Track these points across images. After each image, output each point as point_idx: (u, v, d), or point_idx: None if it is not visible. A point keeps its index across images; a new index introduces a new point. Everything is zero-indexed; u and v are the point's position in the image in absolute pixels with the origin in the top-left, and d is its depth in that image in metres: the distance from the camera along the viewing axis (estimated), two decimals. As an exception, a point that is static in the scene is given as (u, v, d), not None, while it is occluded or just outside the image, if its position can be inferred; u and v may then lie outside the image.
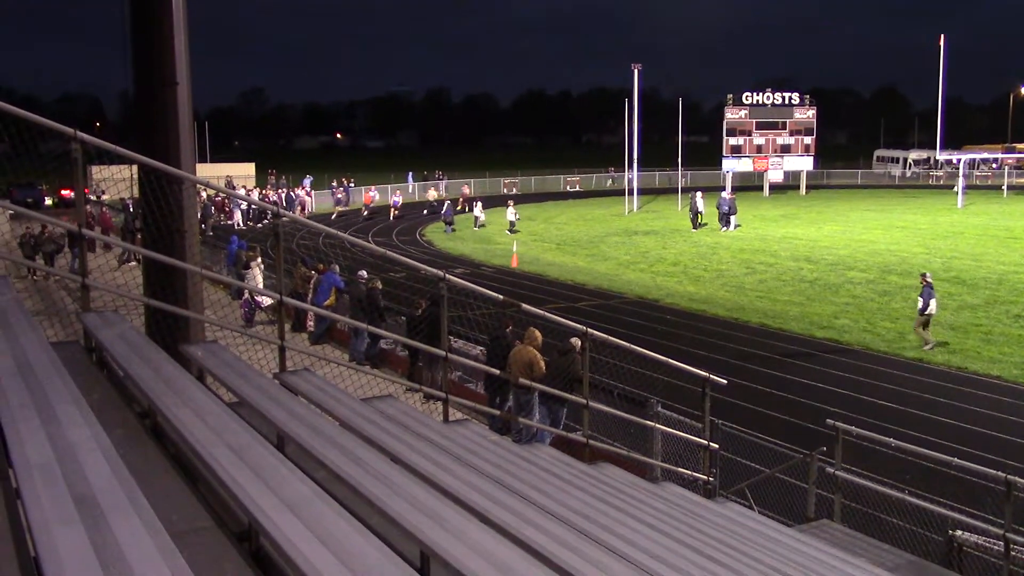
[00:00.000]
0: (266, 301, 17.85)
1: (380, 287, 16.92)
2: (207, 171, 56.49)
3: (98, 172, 32.63)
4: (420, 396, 11.55)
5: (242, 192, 47.62)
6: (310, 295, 17.99)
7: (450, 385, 8.53)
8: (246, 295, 18.67)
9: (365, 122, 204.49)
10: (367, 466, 4.54)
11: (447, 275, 7.95)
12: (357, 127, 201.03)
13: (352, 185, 60.81)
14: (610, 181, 75.13)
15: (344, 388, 7.33)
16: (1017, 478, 8.27)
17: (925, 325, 19.77)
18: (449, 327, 8.23)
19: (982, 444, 13.68)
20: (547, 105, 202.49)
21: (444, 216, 45.18)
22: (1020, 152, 67.65)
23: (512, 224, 43.26)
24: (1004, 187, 67.05)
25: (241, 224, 43.38)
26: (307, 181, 59.24)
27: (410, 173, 70.41)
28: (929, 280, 20.06)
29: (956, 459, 10.09)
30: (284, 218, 7.63)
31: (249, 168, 62.00)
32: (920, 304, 19.62)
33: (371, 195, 53.19)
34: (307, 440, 4.81)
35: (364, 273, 17.84)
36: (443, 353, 7.98)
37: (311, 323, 18.08)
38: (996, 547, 8.05)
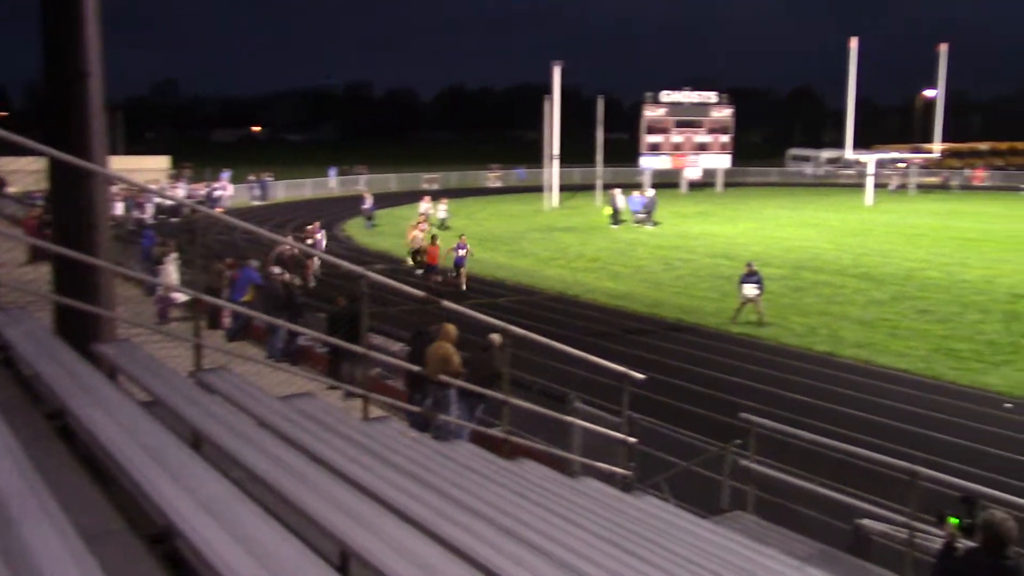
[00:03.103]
0: (181, 298, 17.51)
1: (298, 284, 16.73)
2: (119, 164, 55.03)
3: (6, 164, 31.46)
4: (340, 393, 11.48)
5: (162, 185, 46.56)
6: (227, 291, 17.70)
7: (370, 382, 8.49)
8: (159, 291, 18.28)
9: (285, 115, 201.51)
10: (286, 465, 4.50)
11: (368, 271, 7.91)
12: (276, 120, 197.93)
13: (270, 179, 59.88)
14: (514, 178, 75.58)
15: (262, 386, 7.24)
16: (921, 468, 8.55)
17: (744, 304, 21.94)
18: (369, 324, 8.19)
19: (889, 435, 14.13)
20: (468, 100, 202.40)
21: (365, 211, 44.80)
22: (926, 152, 69.71)
23: (443, 221, 43.13)
24: (911, 186, 69.18)
25: (153, 219, 42.36)
26: (225, 175, 58.14)
27: (332, 168, 69.60)
28: (752, 268, 22.02)
29: (864, 450, 10.41)
30: (199, 213, 7.51)
31: (163, 161, 60.51)
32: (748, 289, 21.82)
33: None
34: (224, 440, 4.75)
35: (278, 269, 17.61)
36: (363, 350, 7.94)
37: (227, 320, 17.79)
38: (900, 535, 8.33)
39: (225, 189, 52.52)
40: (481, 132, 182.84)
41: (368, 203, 45.25)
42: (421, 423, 10.09)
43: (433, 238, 28.24)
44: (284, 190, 61.51)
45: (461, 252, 27.25)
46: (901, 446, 13.25)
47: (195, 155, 76.54)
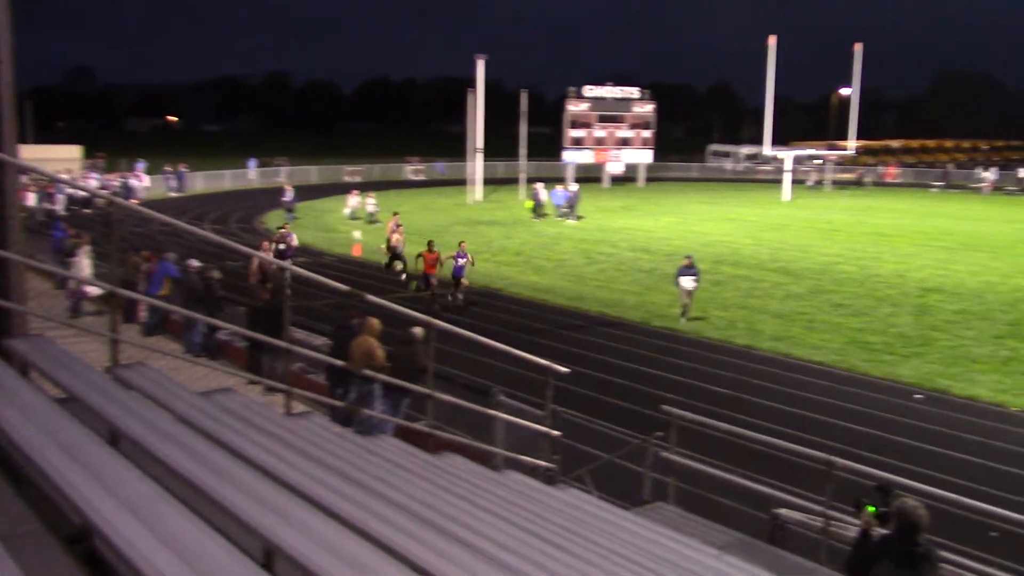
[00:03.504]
0: (94, 291, 17.07)
1: (217, 276, 16.44)
2: (29, 154, 53.36)
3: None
4: (261, 388, 11.33)
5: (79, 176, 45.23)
6: (143, 285, 17.31)
7: (292, 377, 8.39)
8: (71, 285, 17.79)
9: (202, 105, 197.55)
10: (207, 462, 4.43)
11: (288, 265, 7.82)
12: (193, 110, 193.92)
13: (186, 170, 58.66)
14: (435, 171, 75.27)
15: (181, 382, 7.11)
16: (836, 458, 8.77)
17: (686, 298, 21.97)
18: (292, 317, 8.10)
19: (806, 426, 14.48)
20: (391, 92, 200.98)
21: (285, 203, 44.18)
22: (842, 149, 71.46)
23: (372, 215, 42.78)
24: (827, 182, 70.83)
25: (64, 210, 41.15)
26: (140, 165, 56.72)
27: (251, 159, 68.48)
28: (690, 261, 22.09)
29: (781, 441, 10.66)
30: (115, 204, 7.34)
31: (75, 150, 58.77)
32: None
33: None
34: (143, 436, 4.65)
35: (195, 262, 17.28)
36: (285, 344, 7.84)
37: (144, 314, 17.40)
38: (816, 523, 8.54)
39: (140, 180, 51.26)
40: (404, 125, 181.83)
41: (289, 195, 44.65)
42: (344, 418, 10.01)
43: (430, 244, 24.69)
44: (202, 181, 60.39)
45: (461, 261, 24.02)
46: (817, 437, 13.60)
47: (109, 145, 74.69)
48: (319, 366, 12.82)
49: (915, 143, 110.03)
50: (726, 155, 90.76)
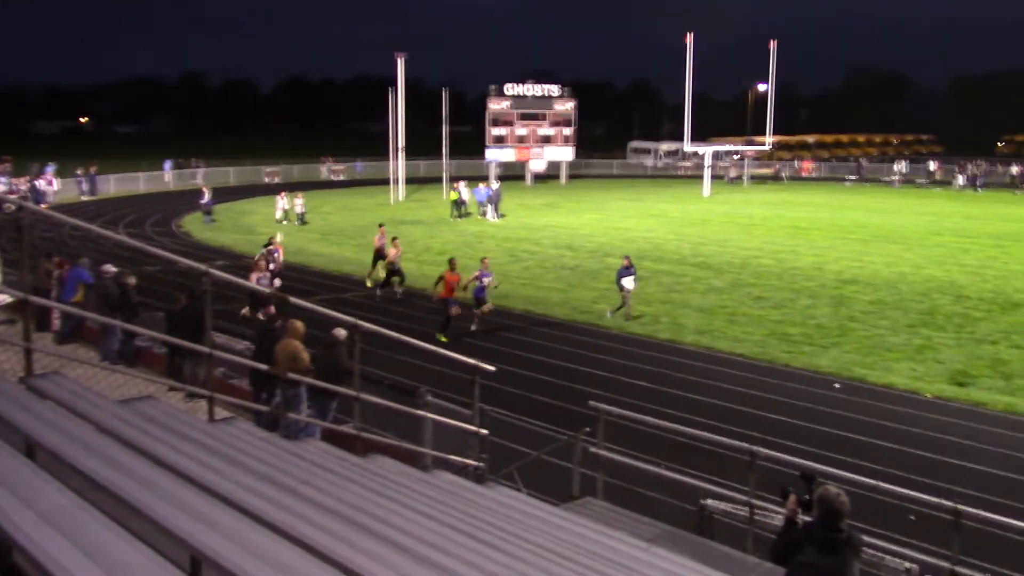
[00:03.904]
0: (4, 299, 16.54)
1: (133, 282, 16.06)
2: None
3: None
4: (182, 395, 11.11)
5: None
6: (56, 291, 16.82)
7: (215, 382, 8.25)
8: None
9: (114, 106, 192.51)
10: (129, 471, 4.33)
11: (210, 268, 7.68)
12: (105, 111, 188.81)
13: (97, 173, 57.13)
14: (353, 171, 74.52)
15: (99, 390, 6.94)
16: (760, 448, 8.94)
17: (626, 297, 21.94)
18: (212, 322, 7.95)
19: (729, 418, 14.71)
20: (310, 92, 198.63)
21: (203, 205, 43.38)
22: (759, 144, 72.86)
23: (301, 216, 42.23)
24: (745, 177, 72.11)
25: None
26: (49, 169, 55.09)
27: (167, 161, 67.07)
28: (629, 261, 22.16)
29: (706, 433, 10.83)
30: (25, 209, 7.12)
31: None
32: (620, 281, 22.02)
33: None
34: (61, 447, 4.53)
35: (110, 267, 16.85)
36: (207, 349, 7.71)
37: (57, 321, 16.90)
38: (742, 513, 8.69)
39: (50, 184, 49.85)
40: (324, 124, 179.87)
41: (206, 197, 43.81)
42: (270, 422, 9.87)
43: (451, 263, 21.21)
44: (115, 184, 58.97)
45: (485, 280, 21.06)
46: (741, 428, 13.83)
47: (15, 148, 72.39)
48: (242, 371, 12.63)
49: (829, 138, 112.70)
50: (646, 152, 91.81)
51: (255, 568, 3.51)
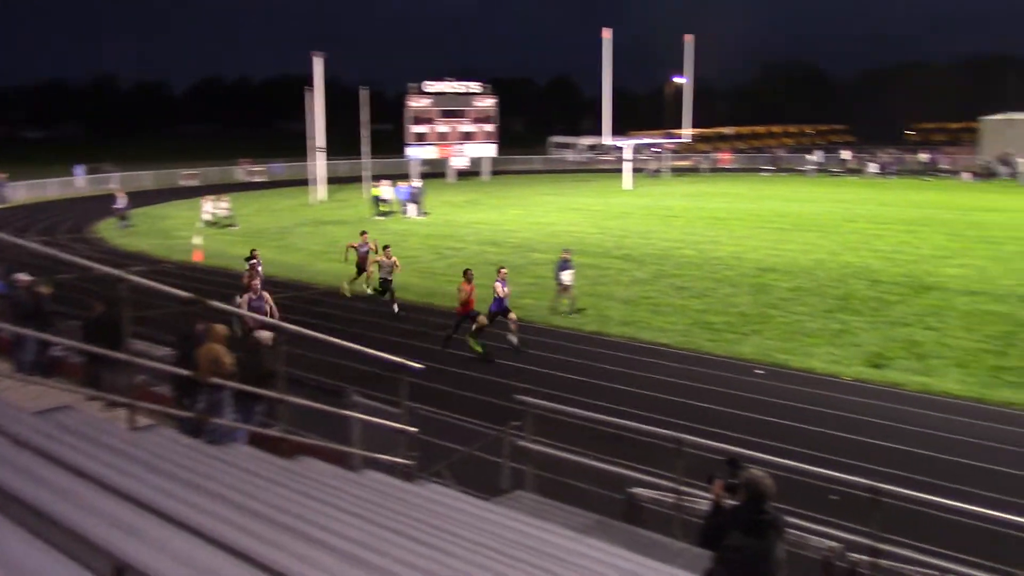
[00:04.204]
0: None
1: (47, 291, 15.63)
2: None
3: None
4: (102, 404, 10.86)
5: None
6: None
7: (135, 390, 8.08)
8: None
9: (19, 111, 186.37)
10: (48, 483, 4.23)
11: (127, 274, 7.52)
12: (11, 116, 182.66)
13: (6, 179, 55.42)
14: (250, 175, 73.31)
15: (14, 402, 6.75)
16: (686, 435, 9.07)
17: (562, 291, 22.12)
18: (131, 329, 7.79)
19: (655, 407, 14.90)
20: (225, 92, 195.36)
21: (118, 210, 42.37)
22: (678, 137, 73.84)
23: (227, 219, 41.53)
24: (665, 169, 72.98)
25: None
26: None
27: (78, 166, 65.36)
28: (567, 255, 22.35)
29: (633, 422, 10.96)
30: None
31: None
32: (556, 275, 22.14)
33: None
34: (-26, 461, 4.40)
35: (24, 276, 16.37)
36: (126, 357, 7.55)
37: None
38: (669, 499, 8.82)
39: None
40: (241, 125, 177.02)
41: (122, 202, 42.76)
42: (193, 428, 9.70)
43: (467, 275, 19.15)
44: (25, 191, 57.38)
45: (504, 291, 19.11)
46: (667, 416, 14.02)
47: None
48: (164, 377, 12.39)
49: (746, 129, 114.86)
50: (567, 146, 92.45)
51: (182, 574, 3.46)
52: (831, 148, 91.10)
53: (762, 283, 25.47)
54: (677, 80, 70.08)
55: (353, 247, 25.22)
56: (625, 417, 12.32)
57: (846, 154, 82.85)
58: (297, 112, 60.15)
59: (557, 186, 63.49)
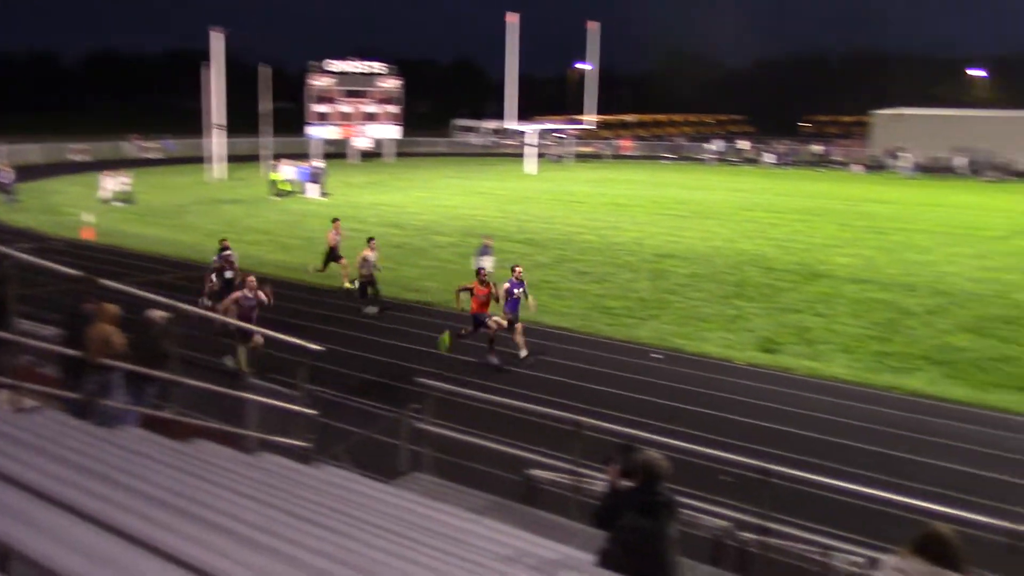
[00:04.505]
0: None
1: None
2: None
3: None
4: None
5: None
6: None
7: (20, 371, 7.82)
8: None
9: None
10: (-75, 466, 4.08)
11: (12, 251, 7.27)
12: None
13: None
14: (143, 151, 71.14)
15: None
16: (584, 418, 9.21)
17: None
18: (16, 307, 7.53)
19: (554, 390, 15.05)
20: (120, 66, 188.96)
21: (3, 185, 40.67)
22: (581, 123, 74.48)
23: (127, 195, 40.19)
24: (568, 155, 73.53)
25: None
26: None
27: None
28: (487, 242, 22.17)
29: (532, 405, 11.08)
30: None
31: None
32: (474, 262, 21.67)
33: None
34: None
35: None
36: (10, 336, 7.30)
37: None
38: (567, 481, 8.96)
39: None
40: (135, 100, 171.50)
41: (7, 177, 41.08)
42: (81, 410, 9.43)
43: (480, 275, 17.43)
44: (-96, 165, 54.68)
45: (516, 292, 17.43)
46: (566, 400, 14.19)
47: None
48: (50, 358, 12.01)
49: (648, 117, 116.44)
50: (471, 130, 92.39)
51: (70, 560, 3.38)
52: (730, 138, 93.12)
53: (661, 269, 25.92)
54: (581, 67, 70.62)
55: (330, 238, 23.60)
56: (525, 400, 12.44)
57: (744, 144, 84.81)
58: (194, 88, 58.48)
59: (461, 169, 63.40)
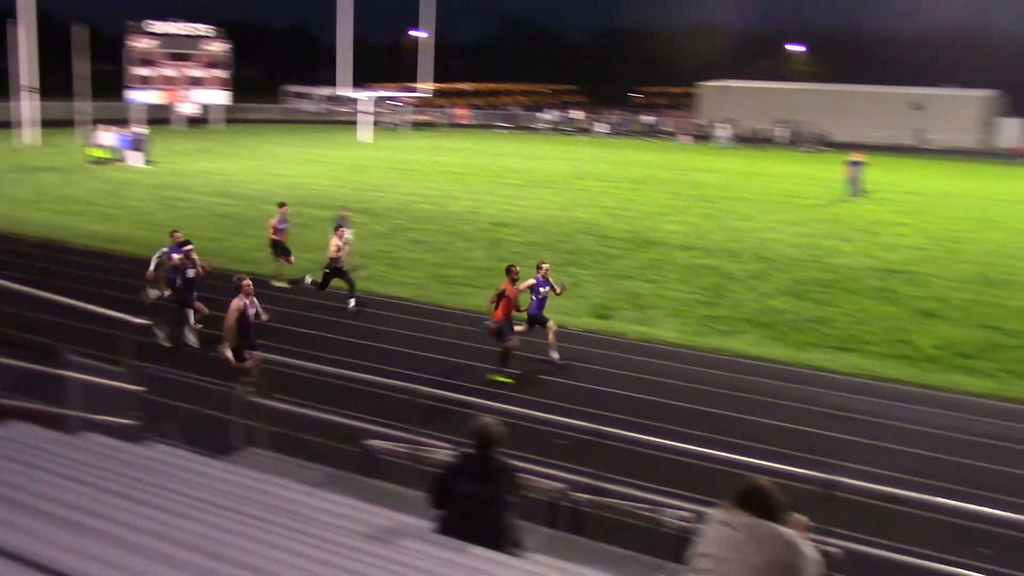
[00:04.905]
0: None
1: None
2: None
3: None
4: None
5: None
6: None
7: None
8: None
9: None
10: None
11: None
12: None
13: None
14: None
15: None
16: (421, 387, 9.23)
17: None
18: None
19: (392, 360, 14.98)
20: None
21: None
22: (417, 91, 73.95)
23: None
24: (404, 123, 72.94)
25: None
26: None
27: None
28: (343, 214, 21.52)
29: (370, 375, 11.00)
30: None
31: None
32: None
33: None
34: None
35: None
36: None
37: None
38: (403, 450, 8.96)
39: None
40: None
41: None
42: None
43: (512, 272, 14.91)
44: None
45: (543, 290, 15.38)
46: (403, 369, 14.15)
47: None
48: None
49: (484, 86, 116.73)
50: (304, 96, 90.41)
51: None
52: (564, 108, 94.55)
53: (497, 238, 26.14)
54: (415, 33, 70.06)
55: (273, 226, 20.96)
56: (362, 371, 12.33)
57: (577, 114, 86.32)
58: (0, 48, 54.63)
59: (294, 137, 61.97)
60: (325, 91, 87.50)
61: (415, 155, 50.85)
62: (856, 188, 39.84)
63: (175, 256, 16.21)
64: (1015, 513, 7.43)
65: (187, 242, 16.55)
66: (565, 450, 10.01)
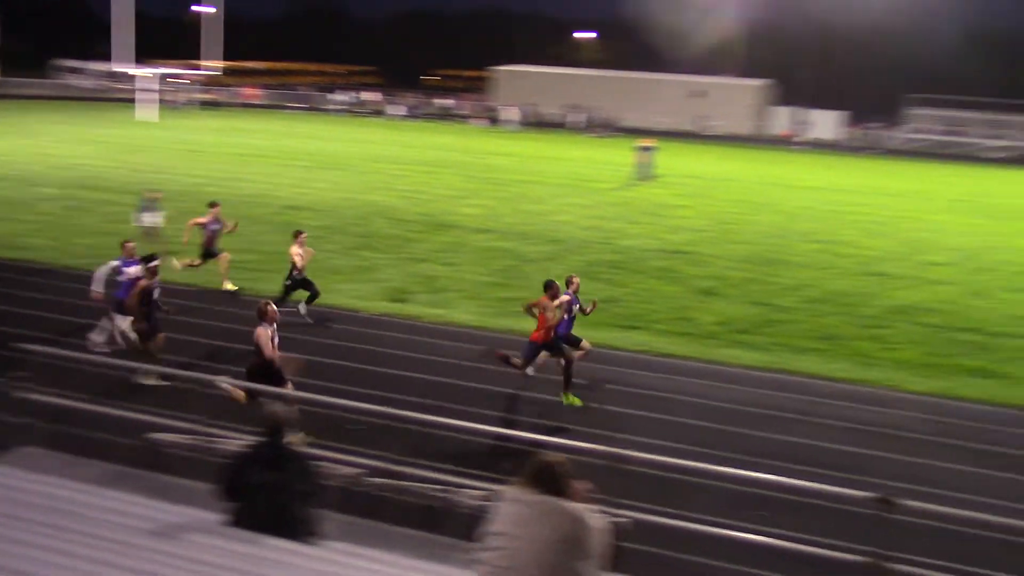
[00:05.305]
0: None
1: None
2: None
3: None
4: None
5: None
6: None
7: None
8: None
9: None
10: None
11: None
12: None
13: None
14: None
15: None
16: (214, 377, 8.96)
17: (148, 237, 20.21)
18: None
19: (178, 350, 14.37)
20: None
21: None
22: (204, 69, 71.19)
23: None
24: (190, 102, 70.06)
25: None
26: None
27: None
28: (150, 197, 21.19)
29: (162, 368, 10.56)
30: None
31: None
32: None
33: None
34: None
35: None
36: None
37: None
38: (192, 442, 8.68)
39: None
40: None
41: None
42: None
43: (551, 288, 13.38)
44: None
45: (574, 308, 14.09)
46: (189, 358, 13.65)
47: None
48: None
49: (277, 66, 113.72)
50: (78, 71, 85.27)
51: None
52: (358, 89, 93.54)
53: (291, 221, 25.55)
54: (200, 9, 67.38)
55: (200, 224, 19.05)
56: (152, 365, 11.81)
57: (371, 96, 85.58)
58: None
59: (68, 115, 58.34)
60: (102, 67, 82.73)
61: (202, 136, 48.95)
62: (645, 172, 41.51)
63: (139, 278, 13.40)
64: (788, 478, 8.00)
65: (152, 257, 13.59)
66: (360, 435, 9.98)
